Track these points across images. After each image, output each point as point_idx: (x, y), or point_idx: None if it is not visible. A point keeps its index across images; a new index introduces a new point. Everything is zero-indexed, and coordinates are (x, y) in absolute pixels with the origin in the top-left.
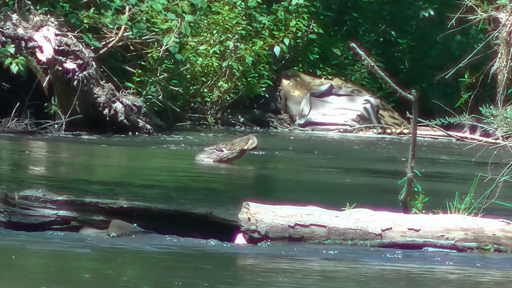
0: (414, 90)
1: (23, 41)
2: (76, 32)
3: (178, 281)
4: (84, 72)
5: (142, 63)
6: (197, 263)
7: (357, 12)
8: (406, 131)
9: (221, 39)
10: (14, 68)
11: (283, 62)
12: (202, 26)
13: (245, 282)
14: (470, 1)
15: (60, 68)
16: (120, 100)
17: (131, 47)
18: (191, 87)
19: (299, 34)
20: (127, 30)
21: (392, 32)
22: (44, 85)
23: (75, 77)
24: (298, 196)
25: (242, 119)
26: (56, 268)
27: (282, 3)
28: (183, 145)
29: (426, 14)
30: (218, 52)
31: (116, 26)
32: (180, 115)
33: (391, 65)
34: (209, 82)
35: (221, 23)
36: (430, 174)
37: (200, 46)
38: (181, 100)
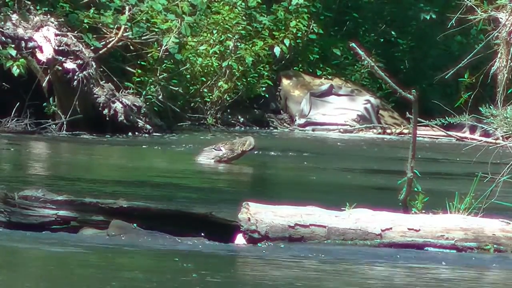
0: (414, 90)
1: (23, 41)
2: (76, 32)
3: (177, 281)
4: (84, 72)
5: (142, 63)
6: (197, 263)
7: (357, 12)
8: (406, 131)
9: (221, 39)
10: (15, 71)
11: (283, 62)
12: (202, 26)
13: (245, 282)
14: (470, 1)
15: (60, 68)
16: (120, 100)
17: (131, 47)
18: (191, 87)
19: (299, 34)
20: (127, 30)
21: (392, 32)
22: (44, 85)
23: (75, 77)
24: (298, 196)
25: (242, 119)
26: (56, 268)
27: (282, 3)
28: (183, 145)
29: (428, 17)
30: (218, 52)
31: (116, 26)
32: (180, 115)
33: (391, 65)
34: (209, 82)
35: (221, 23)
36: (430, 174)
37: (200, 46)
38: (181, 100)
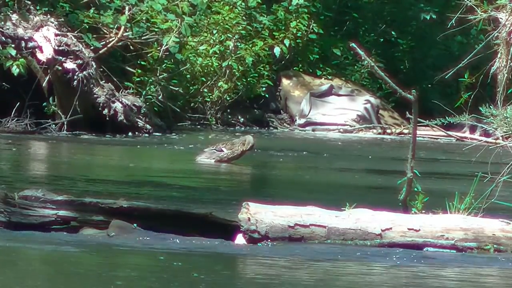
0: (414, 90)
1: (23, 41)
2: (76, 32)
3: (177, 281)
4: (84, 72)
5: (142, 63)
6: (196, 263)
7: (357, 12)
8: (406, 131)
9: (221, 39)
10: (15, 71)
11: (283, 62)
12: (202, 26)
13: (245, 282)
14: (470, 1)
15: (60, 68)
16: (120, 100)
17: (131, 47)
18: (191, 87)
19: (299, 34)
20: (127, 30)
21: (393, 32)
22: (44, 85)
23: (75, 77)
24: (298, 196)
25: (242, 119)
26: (56, 268)
27: (282, 3)
28: (183, 145)
29: (428, 17)
30: (218, 52)
31: (116, 26)
32: (180, 115)
33: (391, 65)
34: (209, 82)
35: (221, 23)
36: (430, 174)
37: (200, 46)
38: (181, 100)
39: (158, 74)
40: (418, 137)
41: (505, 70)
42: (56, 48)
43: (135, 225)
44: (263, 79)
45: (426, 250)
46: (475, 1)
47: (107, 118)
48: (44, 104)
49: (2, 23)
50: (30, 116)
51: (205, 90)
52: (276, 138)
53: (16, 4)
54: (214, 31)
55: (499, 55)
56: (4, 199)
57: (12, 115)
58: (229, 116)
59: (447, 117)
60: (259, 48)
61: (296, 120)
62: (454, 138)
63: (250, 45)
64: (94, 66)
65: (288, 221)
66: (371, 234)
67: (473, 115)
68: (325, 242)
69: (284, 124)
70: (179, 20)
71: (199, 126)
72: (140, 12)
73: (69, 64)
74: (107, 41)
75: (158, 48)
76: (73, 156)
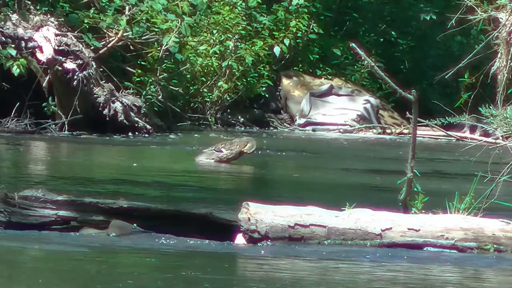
0: (414, 90)
1: (23, 41)
2: (76, 32)
3: (177, 281)
4: (84, 72)
5: (142, 63)
6: (196, 263)
7: (357, 12)
8: (406, 131)
9: (221, 39)
10: (16, 71)
11: (283, 62)
12: (202, 26)
13: (245, 282)
14: (470, 1)
15: (60, 68)
16: (120, 100)
17: (131, 47)
18: (191, 87)
19: (299, 34)
20: (127, 30)
21: (393, 32)
22: (44, 85)
23: (75, 77)
24: (298, 196)
25: (242, 119)
26: (56, 268)
27: (282, 3)
28: (183, 145)
29: (428, 18)
30: (218, 52)
31: (116, 26)
32: (180, 115)
33: (391, 65)
34: (209, 82)
35: (221, 23)
36: (430, 174)
37: (200, 46)
38: (181, 100)
39: (158, 74)
40: (418, 137)
41: (505, 70)
42: (56, 48)
43: (135, 225)
44: (263, 79)
45: (426, 250)
46: (475, 1)
47: (107, 118)
48: (44, 104)
49: (2, 23)
50: (30, 116)
51: (205, 90)
52: (276, 138)
53: (16, 4)
54: (214, 31)
55: (499, 55)
56: (4, 199)
57: (12, 115)
58: (229, 116)
59: (447, 117)
60: (259, 48)
61: (296, 120)
62: (454, 138)
63: (250, 45)
64: (94, 66)
65: (288, 221)
66: (371, 234)
67: (473, 115)
68: (325, 242)
69: (284, 124)
70: (179, 20)
71: (199, 126)
72: (140, 12)
73: (69, 64)
74: (107, 41)
75: (158, 48)
76: (73, 156)
